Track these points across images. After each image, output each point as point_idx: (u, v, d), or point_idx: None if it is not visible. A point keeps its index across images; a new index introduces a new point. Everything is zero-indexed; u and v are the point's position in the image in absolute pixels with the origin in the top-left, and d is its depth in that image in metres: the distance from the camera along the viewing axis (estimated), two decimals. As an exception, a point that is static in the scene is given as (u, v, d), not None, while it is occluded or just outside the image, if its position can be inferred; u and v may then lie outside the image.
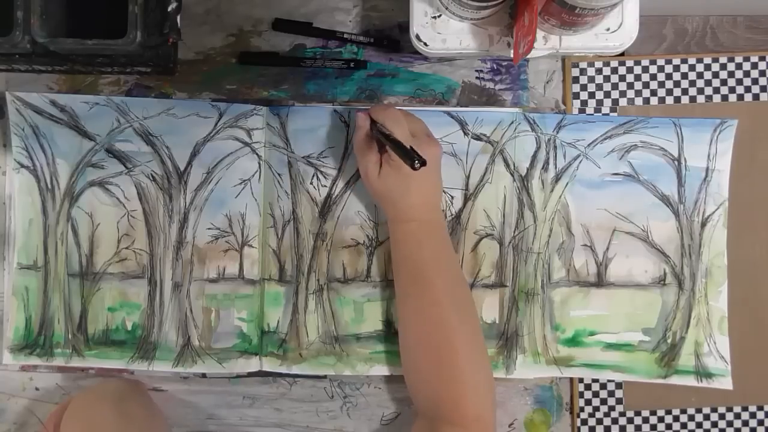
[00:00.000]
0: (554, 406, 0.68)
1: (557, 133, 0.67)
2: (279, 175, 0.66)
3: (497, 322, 0.66)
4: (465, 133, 0.66)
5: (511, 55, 0.60)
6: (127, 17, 0.52)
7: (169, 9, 0.55)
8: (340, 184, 0.66)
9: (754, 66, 0.68)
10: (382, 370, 0.66)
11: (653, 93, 0.68)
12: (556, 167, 0.67)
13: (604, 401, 0.68)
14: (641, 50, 0.69)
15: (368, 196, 0.66)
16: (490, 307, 0.66)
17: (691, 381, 0.67)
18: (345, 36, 0.67)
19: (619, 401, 0.68)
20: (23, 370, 0.66)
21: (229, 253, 0.66)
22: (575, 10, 0.53)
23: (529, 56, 0.57)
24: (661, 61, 0.68)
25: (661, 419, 0.68)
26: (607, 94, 0.68)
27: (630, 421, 0.68)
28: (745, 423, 0.68)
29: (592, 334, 0.67)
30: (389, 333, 0.66)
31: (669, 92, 0.68)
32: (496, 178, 0.67)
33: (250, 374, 0.66)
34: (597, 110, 0.68)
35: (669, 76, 0.68)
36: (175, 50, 0.64)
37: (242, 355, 0.65)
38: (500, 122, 0.66)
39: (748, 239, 0.68)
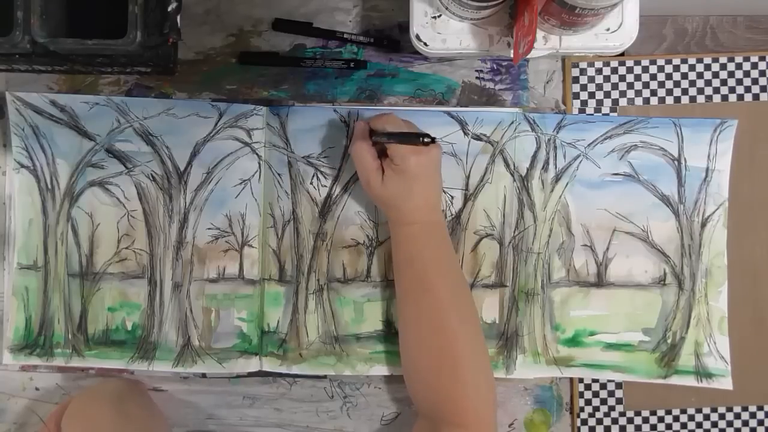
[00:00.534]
0: (554, 406, 0.68)
1: (557, 133, 0.67)
2: (279, 175, 0.66)
3: (497, 322, 0.66)
4: (465, 133, 0.66)
5: (511, 55, 0.60)
6: (127, 17, 0.52)
7: (169, 9, 0.55)
8: (340, 184, 0.66)
9: (754, 66, 0.68)
10: (382, 370, 0.66)
11: (653, 93, 0.68)
12: (556, 167, 0.67)
13: (604, 401, 0.68)
14: (641, 50, 0.69)
15: (368, 196, 0.66)
16: (490, 307, 0.66)
17: (691, 381, 0.67)
18: (345, 36, 0.67)
19: (619, 401, 0.68)
20: (23, 370, 0.66)
21: (229, 253, 0.66)
22: (575, 10, 0.53)
23: (529, 56, 0.57)
24: (661, 61, 0.68)
25: (661, 419, 0.68)
26: (607, 94, 0.68)
27: (630, 421, 0.68)
28: (745, 423, 0.68)
29: (592, 334, 0.67)
30: (389, 333, 0.66)
31: (669, 92, 0.68)
32: (496, 178, 0.67)
33: (250, 374, 0.66)
34: (597, 110, 0.68)
35: (669, 76, 0.68)
36: (175, 50, 0.64)
37: (242, 355, 0.65)
38: (500, 122, 0.66)
39: (748, 239, 0.68)
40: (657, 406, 0.68)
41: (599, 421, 0.68)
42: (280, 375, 0.66)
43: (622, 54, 0.65)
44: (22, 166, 0.65)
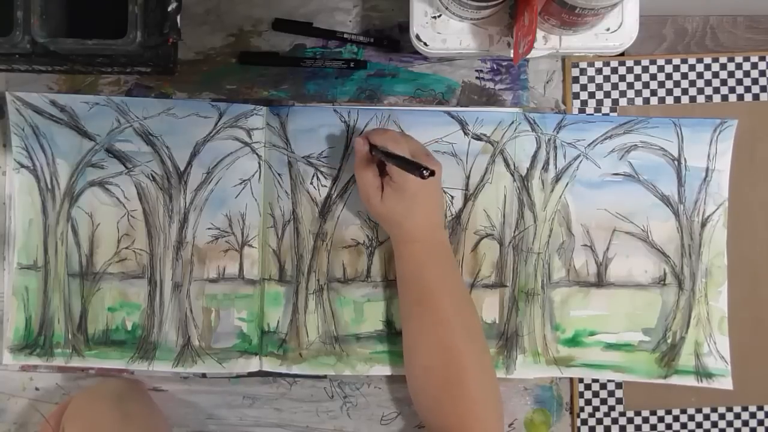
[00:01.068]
0: (554, 406, 0.68)
1: (557, 133, 0.67)
2: (279, 175, 0.66)
3: (497, 322, 0.66)
4: (465, 133, 0.66)
5: (511, 55, 0.60)
6: (127, 17, 0.52)
7: (169, 9, 0.55)
8: (340, 184, 0.66)
9: (754, 66, 0.68)
10: (382, 370, 0.66)
11: (653, 93, 0.68)
12: (556, 167, 0.67)
13: (604, 401, 0.68)
14: (641, 50, 0.69)
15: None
16: (490, 307, 0.66)
17: (691, 381, 0.67)
18: (345, 36, 0.67)
19: (619, 401, 0.68)
20: (23, 370, 0.66)
21: (229, 253, 0.66)
22: (575, 10, 0.53)
23: (529, 56, 0.57)
24: (661, 61, 0.68)
25: (661, 419, 0.68)
26: (607, 94, 0.68)
27: (630, 421, 0.68)
28: (745, 423, 0.68)
29: (592, 334, 0.67)
30: (389, 333, 0.66)
31: (669, 92, 0.68)
32: (496, 178, 0.67)
33: (250, 374, 0.66)
34: (597, 110, 0.68)
35: (669, 76, 0.68)
36: (175, 50, 0.64)
37: (242, 355, 0.65)
38: (500, 122, 0.66)
39: (748, 239, 0.68)
40: (657, 406, 0.68)
41: (599, 421, 0.68)
42: (280, 375, 0.66)
43: (622, 54, 0.65)
44: (22, 166, 0.65)
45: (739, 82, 0.68)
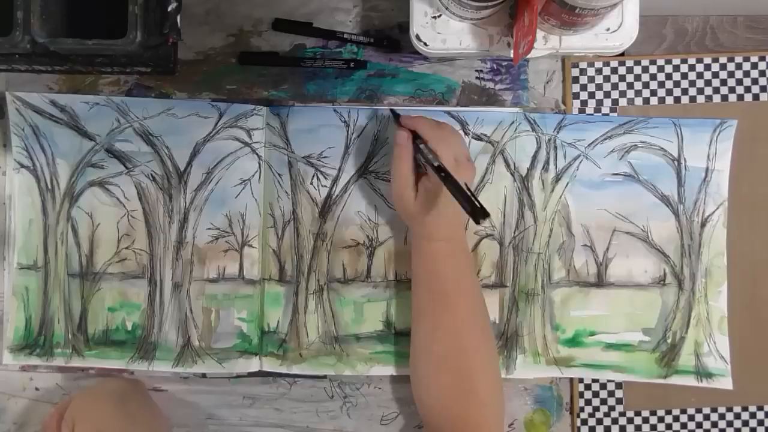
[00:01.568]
0: (554, 406, 0.68)
1: (557, 133, 0.67)
2: (279, 175, 0.66)
3: (497, 322, 0.66)
4: (465, 133, 0.66)
5: (511, 55, 0.60)
6: (127, 17, 0.52)
7: (169, 9, 0.55)
8: (340, 184, 0.66)
9: (754, 66, 0.68)
10: (382, 370, 0.66)
11: (653, 93, 0.68)
12: (556, 167, 0.67)
13: (604, 401, 0.68)
14: (641, 50, 0.69)
15: (368, 196, 0.66)
16: (490, 307, 0.66)
17: (691, 381, 0.67)
18: (345, 36, 0.67)
19: (619, 401, 0.68)
20: (23, 370, 0.66)
21: (229, 253, 0.66)
22: (575, 10, 0.53)
23: (529, 56, 0.57)
24: (661, 61, 0.68)
25: (661, 419, 0.68)
26: (607, 94, 0.68)
27: (630, 421, 0.68)
28: (745, 423, 0.68)
29: (592, 334, 0.67)
30: (389, 333, 0.66)
31: (669, 92, 0.68)
32: (496, 178, 0.67)
33: (250, 374, 0.66)
34: (597, 110, 0.68)
35: (669, 76, 0.68)
36: (175, 50, 0.64)
37: (242, 355, 0.65)
38: (500, 122, 0.66)
39: (748, 239, 0.68)
40: (657, 406, 0.68)
41: (599, 421, 0.68)
42: (280, 375, 0.66)
43: (622, 54, 0.65)
44: (22, 166, 0.65)
45: (739, 82, 0.68)
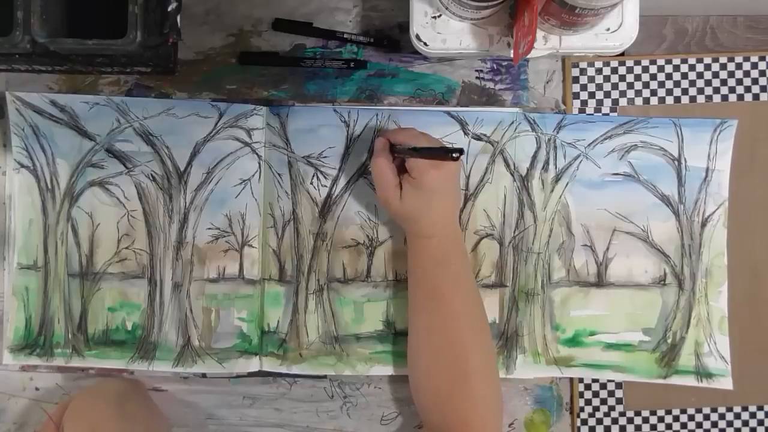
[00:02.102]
0: (554, 406, 0.68)
1: (557, 133, 0.67)
2: (279, 175, 0.66)
3: (497, 322, 0.66)
4: (465, 133, 0.66)
5: (511, 55, 0.60)
6: (127, 17, 0.52)
7: (169, 9, 0.55)
8: (340, 184, 0.66)
9: (754, 66, 0.68)
10: (382, 370, 0.66)
11: (653, 93, 0.68)
12: (556, 167, 0.67)
13: (604, 401, 0.68)
14: (641, 50, 0.69)
15: (368, 196, 0.66)
16: (490, 307, 0.66)
17: (691, 381, 0.67)
18: (345, 36, 0.67)
19: (619, 401, 0.68)
20: (23, 370, 0.66)
21: (229, 253, 0.66)
22: (575, 10, 0.53)
23: (529, 56, 0.57)
24: (661, 61, 0.68)
25: (661, 419, 0.68)
26: (607, 94, 0.68)
27: (630, 421, 0.68)
28: (745, 423, 0.68)
29: (592, 334, 0.67)
30: (389, 333, 0.66)
31: (669, 92, 0.68)
32: (496, 178, 0.67)
33: (250, 374, 0.66)
34: (597, 110, 0.68)
35: (669, 76, 0.68)
36: (175, 50, 0.64)
37: (242, 355, 0.65)
38: (500, 122, 0.66)
39: (748, 239, 0.68)
40: (657, 406, 0.68)
41: (599, 421, 0.68)
42: (280, 375, 0.66)
43: (622, 54, 0.65)
44: (22, 166, 0.65)
45: (739, 82, 0.68)
